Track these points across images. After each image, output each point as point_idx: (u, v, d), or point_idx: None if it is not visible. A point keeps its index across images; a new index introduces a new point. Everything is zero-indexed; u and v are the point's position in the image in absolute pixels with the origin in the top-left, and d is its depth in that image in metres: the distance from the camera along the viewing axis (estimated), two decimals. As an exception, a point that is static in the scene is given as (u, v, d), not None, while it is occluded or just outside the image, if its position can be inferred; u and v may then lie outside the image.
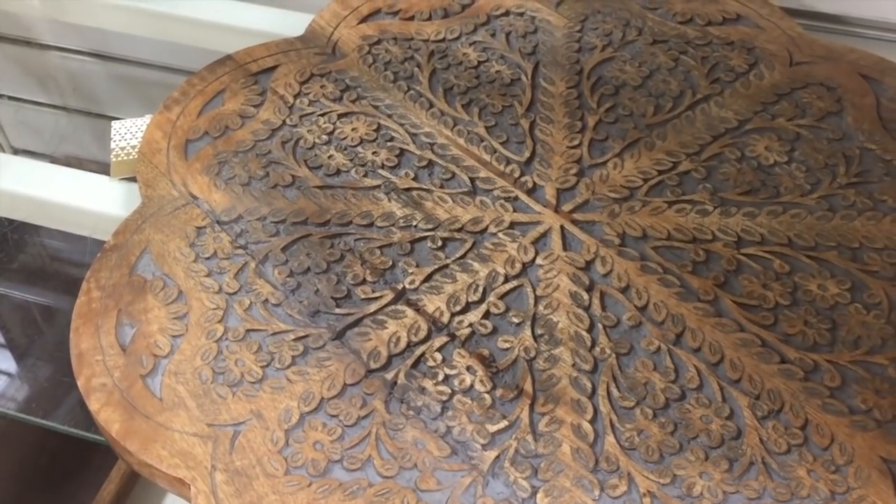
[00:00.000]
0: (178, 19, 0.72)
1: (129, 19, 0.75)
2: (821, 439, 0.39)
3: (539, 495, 0.38)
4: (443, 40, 0.59)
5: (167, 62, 0.89)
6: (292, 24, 0.64)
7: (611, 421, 0.40)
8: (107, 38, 0.90)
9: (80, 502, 0.81)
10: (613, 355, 0.43)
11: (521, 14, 0.61)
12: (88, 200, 0.57)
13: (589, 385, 0.41)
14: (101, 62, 0.94)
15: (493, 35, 0.59)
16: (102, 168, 0.58)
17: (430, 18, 0.61)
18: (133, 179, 0.55)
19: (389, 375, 0.42)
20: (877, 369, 0.42)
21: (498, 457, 0.39)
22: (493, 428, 0.40)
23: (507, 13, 0.61)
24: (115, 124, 0.61)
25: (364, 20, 0.61)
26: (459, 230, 0.48)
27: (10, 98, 1.03)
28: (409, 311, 0.44)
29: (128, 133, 0.60)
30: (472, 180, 0.51)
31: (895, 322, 0.43)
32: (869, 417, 0.40)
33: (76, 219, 0.57)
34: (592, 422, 0.40)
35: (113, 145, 0.60)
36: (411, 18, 0.61)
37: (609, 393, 0.41)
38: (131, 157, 0.59)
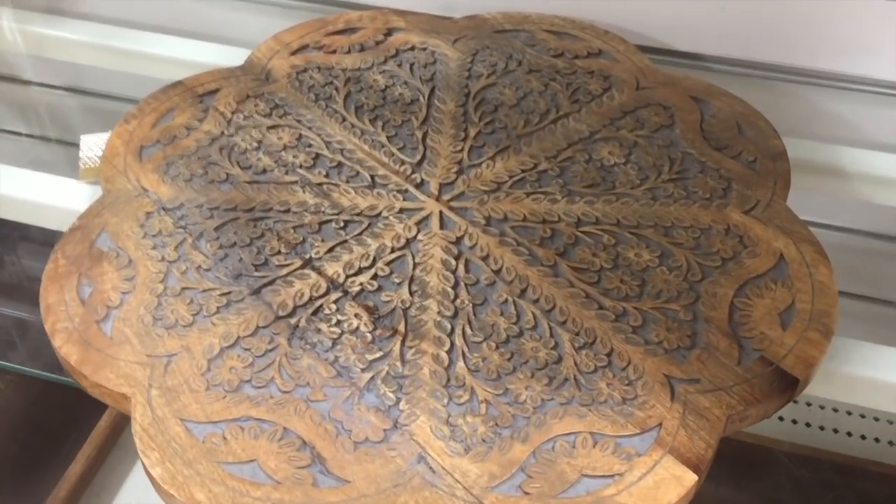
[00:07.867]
0: (140, 55, 0.84)
1: (97, 55, 0.87)
2: (620, 362, 0.51)
3: (401, 403, 0.49)
4: (358, 69, 0.72)
5: (130, 94, 1.01)
6: (235, 56, 0.76)
7: (462, 352, 0.52)
8: (79, 73, 1.03)
9: (48, 484, 0.91)
10: (470, 305, 0.54)
11: (424, 49, 0.74)
12: (59, 199, 0.68)
13: (449, 326, 0.53)
14: (74, 95, 1.06)
15: (399, 65, 0.72)
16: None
17: (349, 52, 0.74)
18: (96, 183, 0.67)
19: (293, 320, 0.53)
20: (671, 313, 0.54)
21: (372, 377, 0.50)
22: (370, 357, 0.51)
23: (412, 48, 0.74)
24: (83, 137, 0.72)
25: (294, 53, 0.74)
26: (359, 214, 0.60)
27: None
28: (313, 275, 0.56)
29: (94, 145, 0.72)
30: (373, 177, 0.63)
31: (690, 280, 0.55)
32: (659, 347, 0.52)
33: (50, 214, 0.68)
34: (448, 352, 0.52)
35: (81, 154, 0.71)
36: (333, 52, 0.74)
37: (464, 332, 0.53)
38: (96, 164, 0.70)
